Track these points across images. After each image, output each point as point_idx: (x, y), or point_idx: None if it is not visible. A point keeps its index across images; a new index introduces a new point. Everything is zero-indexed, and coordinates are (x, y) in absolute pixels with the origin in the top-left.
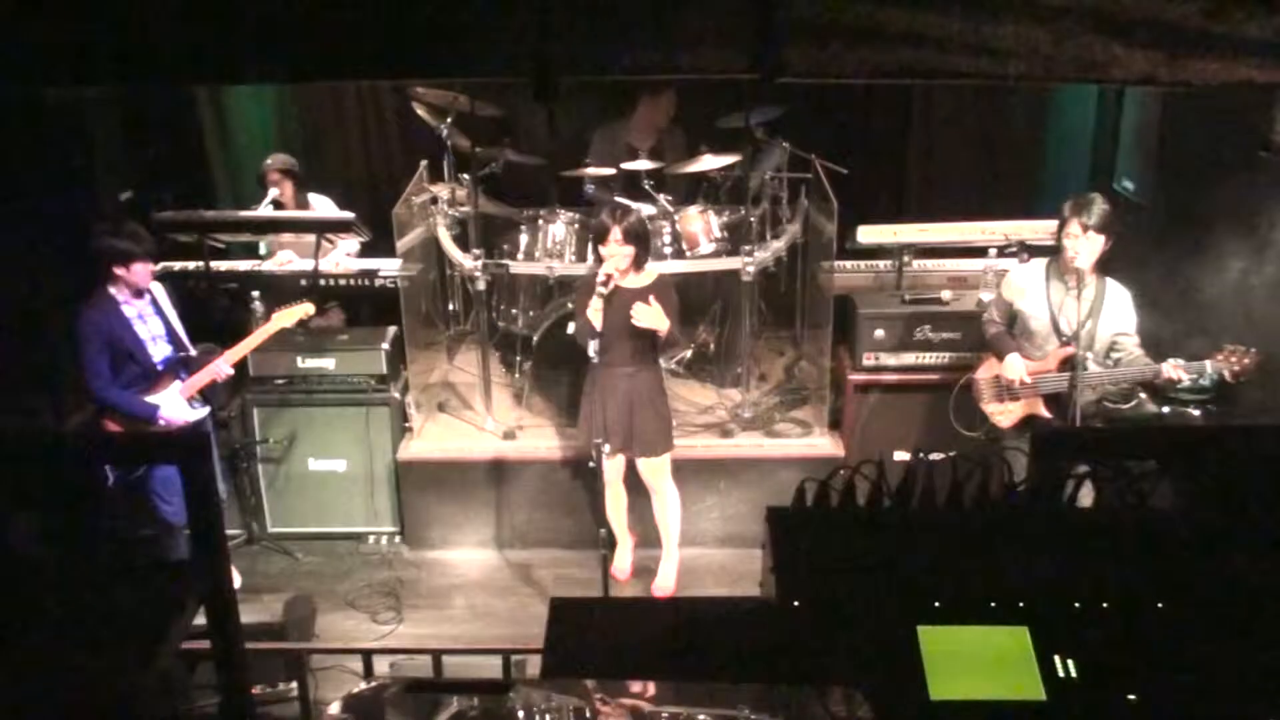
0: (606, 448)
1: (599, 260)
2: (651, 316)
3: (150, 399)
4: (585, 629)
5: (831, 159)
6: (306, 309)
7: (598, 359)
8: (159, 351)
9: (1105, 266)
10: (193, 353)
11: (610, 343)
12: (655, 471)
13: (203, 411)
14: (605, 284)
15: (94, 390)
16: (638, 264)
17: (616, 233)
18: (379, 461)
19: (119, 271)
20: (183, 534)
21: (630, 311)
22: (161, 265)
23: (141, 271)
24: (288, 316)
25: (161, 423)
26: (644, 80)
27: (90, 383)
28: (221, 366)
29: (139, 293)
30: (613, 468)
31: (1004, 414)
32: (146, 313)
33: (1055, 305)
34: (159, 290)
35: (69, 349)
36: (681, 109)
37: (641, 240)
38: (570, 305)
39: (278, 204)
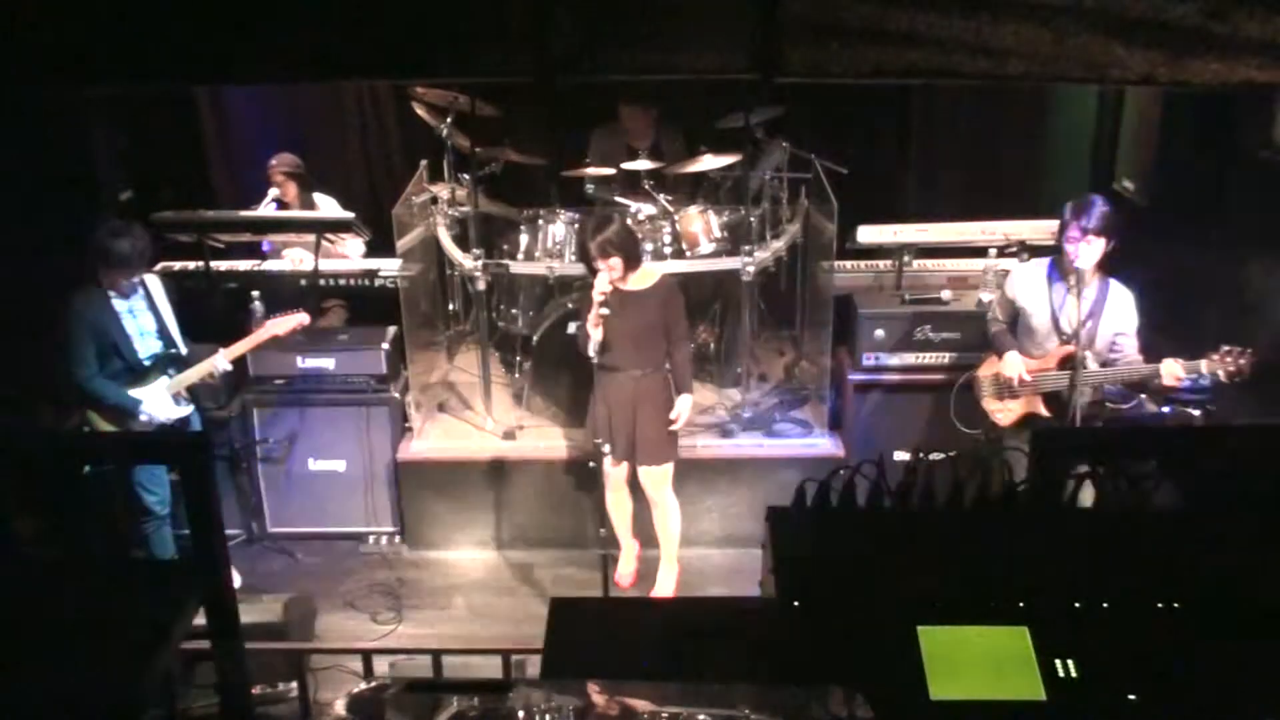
0: (607, 448)
1: (592, 272)
2: (682, 412)
3: (134, 392)
4: (585, 629)
5: (831, 159)
6: (301, 319)
7: (599, 360)
8: (147, 347)
9: (1107, 267)
10: (184, 350)
11: (615, 346)
12: (656, 481)
13: (187, 410)
14: (605, 302)
15: (77, 378)
16: (630, 269)
17: (592, 249)
18: (379, 461)
19: (104, 270)
20: (167, 525)
21: (634, 314)
22: (161, 265)
23: (122, 283)
24: (282, 325)
25: (143, 418)
26: (628, 85)
27: (74, 370)
28: (219, 361)
29: (131, 287)
30: (616, 474)
31: (1003, 412)
32: (138, 307)
33: (1056, 304)
34: (155, 285)
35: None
36: (681, 109)
37: (622, 247)
38: (570, 305)
39: (282, 204)
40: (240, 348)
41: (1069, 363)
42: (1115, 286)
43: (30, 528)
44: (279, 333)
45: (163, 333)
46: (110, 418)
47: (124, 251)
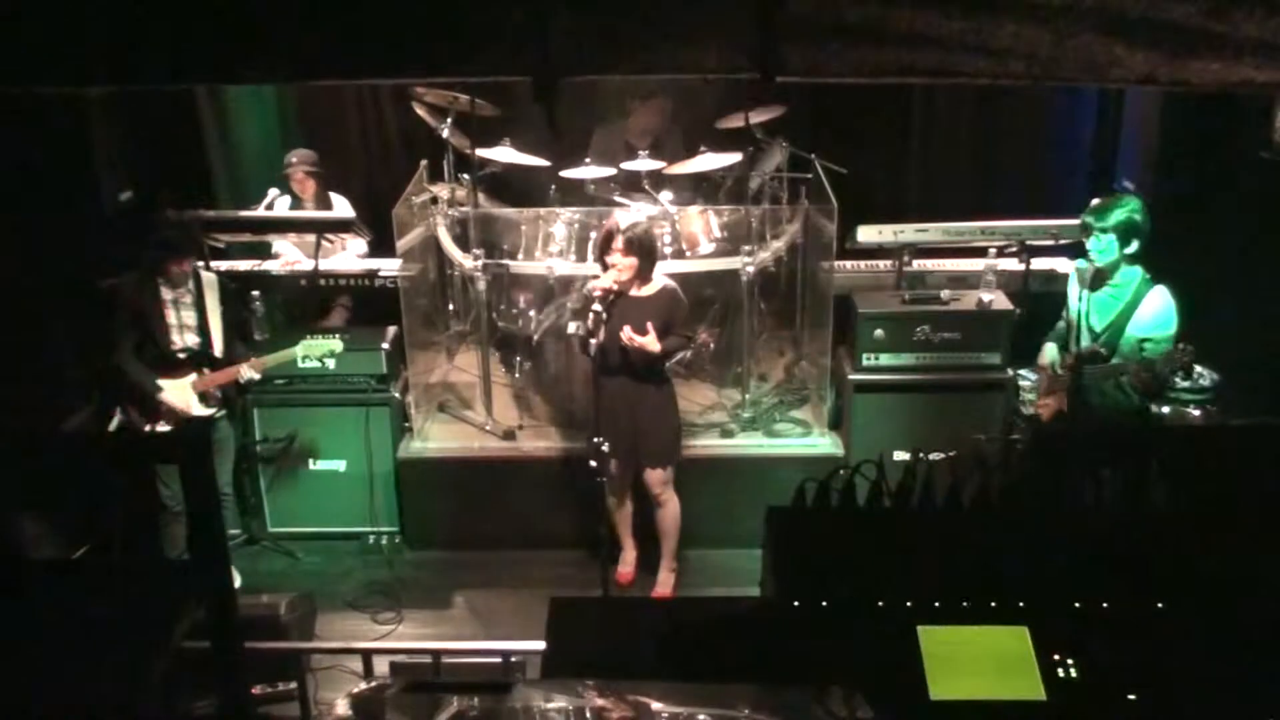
0: (606, 447)
1: (604, 267)
2: (646, 341)
3: (161, 382)
4: (585, 629)
5: (831, 159)
6: (335, 347)
7: (599, 362)
8: (182, 339)
9: (1146, 269)
10: (218, 353)
11: (615, 349)
12: (657, 481)
13: (209, 411)
14: (603, 297)
15: (110, 355)
16: (642, 275)
17: (619, 241)
18: (379, 461)
19: (156, 256)
20: (182, 522)
21: (634, 319)
22: None
23: (172, 270)
24: (316, 349)
25: (163, 406)
26: (638, 83)
27: (112, 347)
28: (246, 371)
29: (182, 278)
30: (616, 474)
31: (1044, 407)
32: (184, 301)
33: (1085, 302)
34: (210, 284)
35: (70, 349)
36: (681, 109)
37: (645, 251)
38: (571, 305)
39: (299, 202)
40: (269, 360)
41: (1084, 360)
42: (1155, 291)
43: (34, 527)
44: (312, 355)
45: (202, 331)
46: (132, 399)
47: (174, 240)
